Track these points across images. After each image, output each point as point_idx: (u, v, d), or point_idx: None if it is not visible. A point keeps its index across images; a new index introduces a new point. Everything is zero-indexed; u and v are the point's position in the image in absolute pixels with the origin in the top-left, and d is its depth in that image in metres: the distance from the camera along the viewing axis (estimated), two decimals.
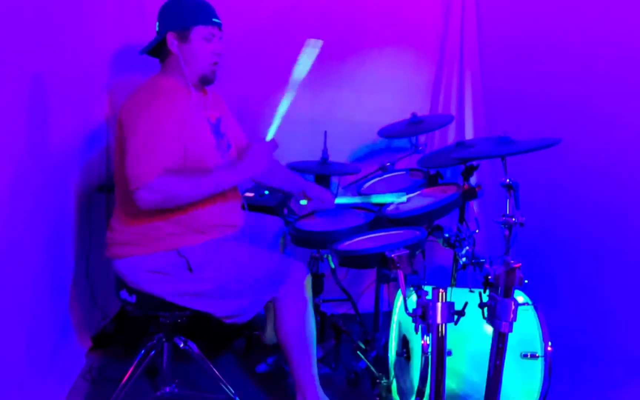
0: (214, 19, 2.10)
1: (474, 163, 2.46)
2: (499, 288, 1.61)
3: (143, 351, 2.25)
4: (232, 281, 2.07)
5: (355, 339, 2.77)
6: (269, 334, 2.53)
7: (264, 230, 2.43)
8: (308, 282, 2.15)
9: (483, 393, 1.67)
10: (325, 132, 2.77)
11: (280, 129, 2.97)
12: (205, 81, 2.14)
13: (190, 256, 2.05)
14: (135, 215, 2.04)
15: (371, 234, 2.21)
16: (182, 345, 2.25)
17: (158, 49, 2.11)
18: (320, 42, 2.01)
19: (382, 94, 3.19)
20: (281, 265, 2.13)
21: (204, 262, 2.06)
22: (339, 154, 2.94)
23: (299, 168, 2.77)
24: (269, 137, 2.08)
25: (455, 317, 1.63)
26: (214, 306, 2.08)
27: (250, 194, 2.74)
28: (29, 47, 1.97)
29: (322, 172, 2.73)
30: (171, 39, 2.05)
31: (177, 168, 1.96)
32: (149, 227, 2.04)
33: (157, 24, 2.11)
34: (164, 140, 1.94)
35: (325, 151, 2.77)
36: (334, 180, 2.89)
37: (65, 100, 2.31)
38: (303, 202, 2.38)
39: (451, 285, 2.50)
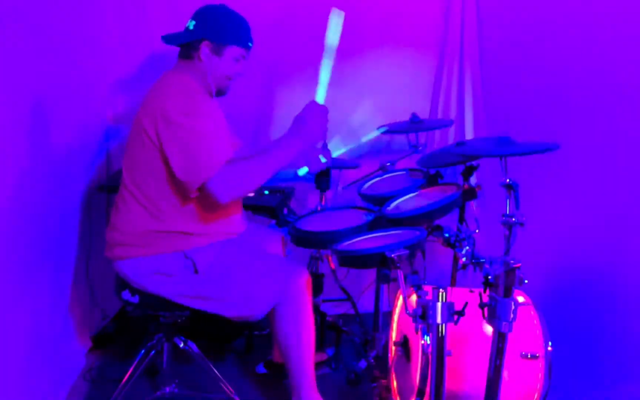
0: (249, 43, 2.13)
1: (474, 163, 2.46)
2: (499, 288, 1.61)
3: (143, 351, 2.25)
4: (237, 282, 2.08)
5: (355, 339, 2.77)
6: (277, 353, 2.51)
7: (266, 236, 2.44)
8: (309, 285, 2.16)
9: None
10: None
11: (280, 127, 2.97)
12: (220, 93, 2.16)
13: (196, 258, 2.06)
14: (141, 217, 2.04)
15: (371, 234, 2.21)
16: (182, 345, 2.25)
17: (185, 43, 2.10)
18: (342, 12, 2.07)
19: (382, 94, 3.19)
20: (283, 268, 2.14)
21: (211, 263, 2.07)
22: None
23: None
24: (320, 100, 2.09)
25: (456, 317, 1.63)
26: (220, 307, 2.09)
27: (250, 194, 2.74)
28: (30, 50, 1.97)
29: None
30: (205, 47, 2.06)
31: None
32: (154, 229, 2.04)
33: (193, 22, 2.09)
34: (218, 132, 2.00)
35: (325, 145, 2.77)
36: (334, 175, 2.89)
37: (66, 101, 2.31)
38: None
39: (451, 285, 2.51)
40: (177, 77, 2.08)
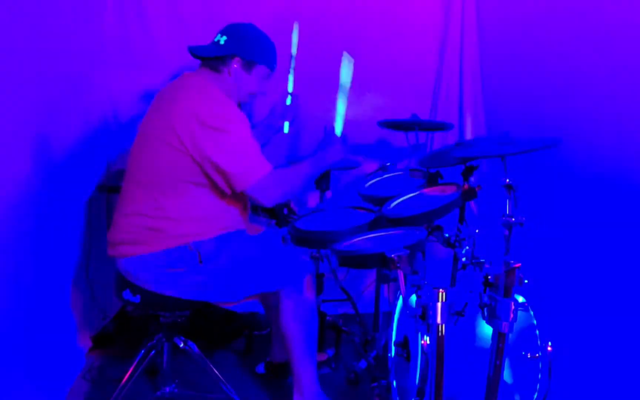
0: (275, 65, 2.23)
1: (474, 163, 2.46)
2: (499, 288, 1.61)
3: (143, 351, 2.25)
4: (240, 269, 2.10)
5: (355, 339, 2.77)
6: (276, 353, 2.53)
7: (269, 231, 2.45)
8: (312, 279, 2.19)
9: None
10: (325, 127, 2.77)
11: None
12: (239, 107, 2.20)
13: (201, 248, 2.07)
14: (151, 215, 2.05)
15: (371, 234, 2.21)
16: (182, 345, 2.25)
17: (213, 57, 2.14)
18: (352, 58, 2.31)
19: (382, 94, 3.19)
20: (288, 259, 2.18)
21: (215, 252, 2.08)
22: None
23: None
24: (338, 132, 2.30)
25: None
26: (221, 295, 2.10)
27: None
28: (30, 50, 1.97)
29: None
30: (236, 64, 2.13)
31: None
32: (163, 227, 2.05)
33: (225, 37, 2.13)
34: (253, 138, 2.08)
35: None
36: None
37: (66, 101, 2.32)
38: None
39: (451, 285, 2.50)
40: (206, 84, 2.10)
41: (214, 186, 2.06)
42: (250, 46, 2.15)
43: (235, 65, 2.13)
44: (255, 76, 2.17)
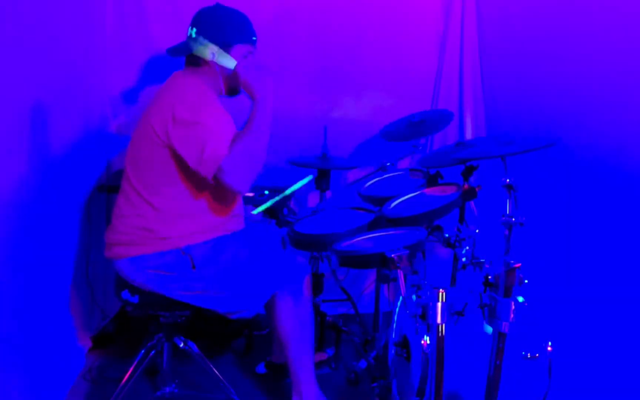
0: (254, 38, 2.14)
1: (474, 163, 2.46)
2: (499, 288, 1.61)
3: (143, 351, 2.25)
4: (235, 276, 2.08)
5: (355, 339, 2.77)
6: (277, 353, 2.53)
7: (266, 233, 2.44)
8: (309, 280, 2.17)
9: None
10: (326, 127, 2.77)
11: (280, 127, 2.98)
12: (233, 92, 2.16)
13: (194, 253, 2.06)
14: (144, 215, 2.04)
15: (371, 234, 2.21)
16: (182, 345, 2.25)
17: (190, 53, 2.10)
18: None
19: (382, 93, 3.19)
20: (284, 262, 2.16)
21: (208, 258, 2.07)
22: (339, 153, 2.94)
23: (299, 163, 2.77)
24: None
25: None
26: (217, 302, 2.09)
27: (250, 194, 2.73)
28: (30, 50, 1.97)
29: (322, 166, 2.72)
30: (211, 52, 2.06)
31: None
32: (155, 228, 2.04)
33: (195, 30, 2.08)
34: (225, 125, 1.99)
35: (325, 146, 2.76)
36: None
37: (66, 100, 2.32)
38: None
39: (451, 285, 2.50)
40: (187, 80, 2.09)
41: (201, 184, 2.03)
42: (220, 30, 2.07)
43: (213, 55, 2.07)
44: (234, 58, 2.09)
